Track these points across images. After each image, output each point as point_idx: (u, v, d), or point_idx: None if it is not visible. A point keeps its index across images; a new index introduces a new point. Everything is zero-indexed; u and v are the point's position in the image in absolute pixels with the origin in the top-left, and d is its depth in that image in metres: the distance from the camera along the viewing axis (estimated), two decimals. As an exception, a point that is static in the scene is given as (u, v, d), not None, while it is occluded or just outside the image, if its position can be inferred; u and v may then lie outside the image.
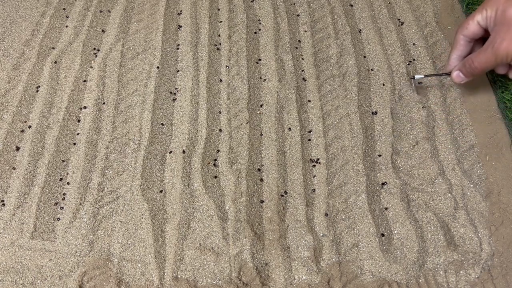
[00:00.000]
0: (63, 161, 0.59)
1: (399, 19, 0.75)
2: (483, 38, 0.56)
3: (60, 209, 0.55)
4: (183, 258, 0.52)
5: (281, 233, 0.54)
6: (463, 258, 0.52)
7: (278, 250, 0.52)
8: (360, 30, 0.73)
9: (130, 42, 0.72)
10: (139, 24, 0.74)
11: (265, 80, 0.68)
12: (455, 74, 0.58)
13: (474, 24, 0.53)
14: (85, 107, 0.64)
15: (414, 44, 0.71)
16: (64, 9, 0.76)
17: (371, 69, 0.69)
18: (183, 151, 0.60)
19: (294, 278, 0.51)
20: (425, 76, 0.63)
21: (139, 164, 0.59)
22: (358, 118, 0.63)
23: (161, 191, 0.57)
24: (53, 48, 0.71)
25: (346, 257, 0.52)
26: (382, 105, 0.64)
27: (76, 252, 0.52)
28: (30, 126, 0.62)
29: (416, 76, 0.62)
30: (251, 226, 0.54)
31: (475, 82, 0.66)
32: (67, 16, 0.75)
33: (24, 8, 0.76)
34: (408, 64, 0.65)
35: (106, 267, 0.51)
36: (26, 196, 0.56)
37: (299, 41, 0.72)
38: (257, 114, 0.64)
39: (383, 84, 0.67)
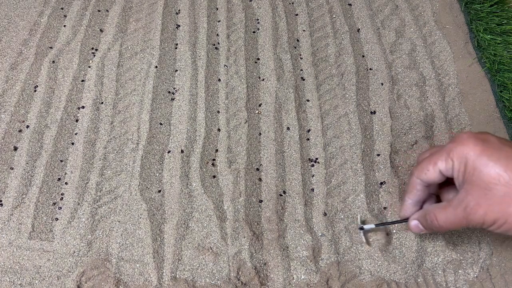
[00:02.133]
0: (61, 161, 0.59)
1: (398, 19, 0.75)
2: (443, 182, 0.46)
3: (58, 209, 0.55)
4: (181, 258, 0.52)
5: (280, 233, 0.54)
6: (461, 258, 0.52)
7: (277, 249, 0.52)
8: (359, 29, 0.73)
9: (128, 42, 0.72)
10: (137, 23, 0.74)
11: (263, 79, 0.68)
12: (413, 224, 0.47)
13: (436, 171, 0.43)
14: (83, 107, 0.64)
15: (412, 43, 0.71)
16: (62, 8, 0.76)
17: (370, 69, 0.69)
18: (182, 151, 0.60)
19: (293, 277, 0.51)
20: (376, 225, 0.52)
21: (138, 164, 0.59)
22: (357, 118, 0.63)
23: (159, 191, 0.57)
24: (51, 47, 0.71)
25: (344, 257, 0.52)
26: (381, 104, 0.64)
27: (74, 252, 0.52)
28: (28, 126, 0.62)
29: (365, 227, 0.52)
30: (249, 225, 0.54)
31: (474, 82, 0.66)
32: (65, 16, 0.75)
33: (22, 8, 0.76)
34: (357, 215, 0.55)
35: (104, 267, 0.51)
36: (24, 196, 0.56)
37: (298, 40, 0.72)
38: (255, 113, 0.64)
39: (382, 84, 0.67)
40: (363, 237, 0.53)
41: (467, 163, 0.40)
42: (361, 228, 0.53)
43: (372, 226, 0.52)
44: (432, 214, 0.44)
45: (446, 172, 0.43)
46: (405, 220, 0.49)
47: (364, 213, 0.55)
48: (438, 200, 0.48)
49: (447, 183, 0.45)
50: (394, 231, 0.54)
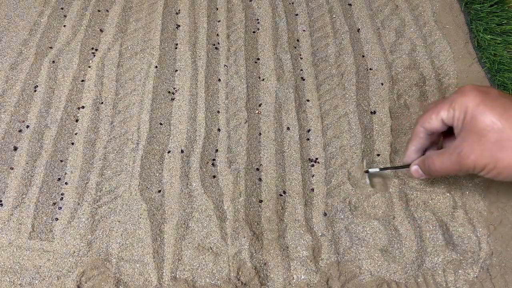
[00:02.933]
0: (61, 161, 0.59)
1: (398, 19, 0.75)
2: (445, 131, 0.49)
3: (58, 209, 0.55)
4: (181, 258, 0.52)
5: (280, 233, 0.54)
6: (461, 258, 0.52)
7: (277, 249, 0.52)
8: (359, 29, 0.73)
9: (128, 42, 0.72)
10: (137, 23, 0.74)
11: (263, 79, 0.68)
12: (413, 169, 0.51)
13: (438, 120, 0.46)
14: (83, 107, 0.64)
15: (412, 43, 0.71)
16: (62, 8, 0.76)
17: (370, 68, 0.69)
18: (182, 151, 0.60)
19: (293, 277, 0.51)
20: (381, 169, 0.56)
21: (138, 164, 0.59)
22: (357, 118, 0.63)
23: (159, 191, 0.57)
24: (51, 47, 0.71)
25: (344, 257, 0.52)
26: (381, 104, 0.64)
27: (74, 252, 0.52)
28: (28, 126, 0.62)
29: (371, 170, 0.56)
30: (249, 225, 0.54)
31: (474, 82, 0.66)
32: (65, 16, 0.75)
33: (22, 8, 0.76)
34: (363, 159, 0.58)
35: (104, 267, 0.51)
36: (24, 196, 0.56)
37: (298, 40, 0.72)
38: (255, 113, 0.64)
39: (382, 84, 0.67)
40: (367, 179, 0.56)
41: (466, 112, 0.43)
42: (367, 171, 0.56)
43: (377, 170, 0.56)
44: (430, 159, 0.47)
45: (448, 121, 0.45)
46: (408, 166, 0.52)
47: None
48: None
49: (450, 134, 0.47)
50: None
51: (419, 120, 0.48)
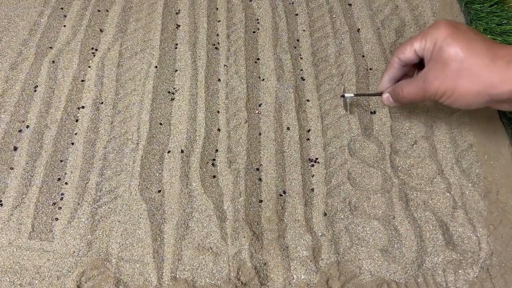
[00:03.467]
0: (61, 161, 0.59)
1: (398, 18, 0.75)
2: (418, 64, 0.53)
3: (58, 209, 0.55)
4: (181, 258, 0.52)
5: (280, 233, 0.54)
6: (461, 258, 0.52)
7: (277, 249, 0.52)
8: (359, 29, 0.73)
9: (128, 42, 0.72)
10: (137, 23, 0.74)
11: (263, 79, 0.68)
12: (385, 96, 0.55)
13: (412, 51, 0.50)
14: (83, 107, 0.64)
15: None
16: (62, 8, 0.76)
17: (370, 68, 0.69)
18: (182, 151, 0.60)
19: (293, 277, 0.51)
20: (355, 95, 0.61)
21: (137, 164, 0.59)
22: (357, 118, 0.63)
23: (159, 191, 0.57)
24: (51, 47, 0.71)
25: (344, 257, 0.52)
26: (381, 104, 0.64)
27: (74, 252, 0.52)
28: (28, 126, 0.62)
29: (346, 95, 0.61)
30: (249, 225, 0.54)
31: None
32: (65, 16, 0.75)
33: (22, 8, 0.76)
34: (343, 86, 0.64)
35: (104, 267, 0.51)
36: (24, 196, 0.56)
37: (298, 40, 0.72)
38: (255, 113, 0.64)
39: (382, 84, 0.67)
40: (342, 103, 0.63)
41: (436, 43, 0.46)
42: (342, 96, 0.62)
43: (352, 95, 0.61)
44: (399, 86, 0.52)
45: (420, 52, 0.49)
46: (380, 94, 0.56)
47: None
48: None
49: (422, 67, 0.50)
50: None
51: (395, 52, 0.53)
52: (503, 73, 0.42)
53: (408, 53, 0.50)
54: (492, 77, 0.43)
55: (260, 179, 0.58)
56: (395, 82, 0.54)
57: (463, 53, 0.44)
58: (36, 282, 0.50)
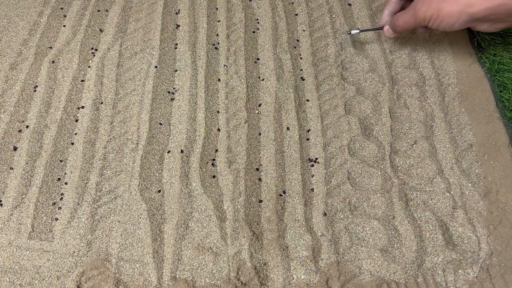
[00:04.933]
0: (61, 161, 0.59)
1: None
2: None
3: (58, 209, 0.55)
4: (181, 258, 0.52)
5: (280, 233, 0.54)
6: (461, 257, 0.52)
7: (277, 249, 0.52)
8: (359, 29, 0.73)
9: (128, 42, 0.72)
10: (137, 23, 0.74)
11: (263, 79, 0.68)
12: (385, 28, 0.63)
13: None
14: (83, 107, 0.64)
15: (412, 43, 0.71)
16: (61, 8, 0.76)
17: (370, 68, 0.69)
18: (181, 151, 0.60)
19: (293, 277, 0.51)
20: (361, 31, 0.68)
21: (137, 164, 0.58)
22: (357, 118, 0.63)
23: (159, 191, 0.57)
24: (50, 47, 0.71)
25: (344, 257, 0.52)
26: (381, 104, 0.64)
27: (74, 252, 0.52)
28: (27, 126, 0.62)
29: (352, 31, 0.67)
30: (249, 225, 0.54)
31: (474, 82, 0.66)
32: (65, 16, 0.75)
33: (22, 8, 0.76)
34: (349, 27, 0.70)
35: (104, 267, 0.51)
36: (23, 196, 0.56)
37: (298, 40, 0.72)
38: (255, 113, 0.64)
39: (383, 84, 0.67)
40: (350, 41, 0.69)
41: None
42: (349, 33, 0.68)
43: (357, 31, 0.67)
44: (395, 17, 0.61)
45: None
46: (382, 27, 0.65)
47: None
48: None
49: None
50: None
51: None
52: None
53: None
54: None
55: (260, 179, 0.58)
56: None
57: None
58: (36, 282, 0.50)
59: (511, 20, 0.54)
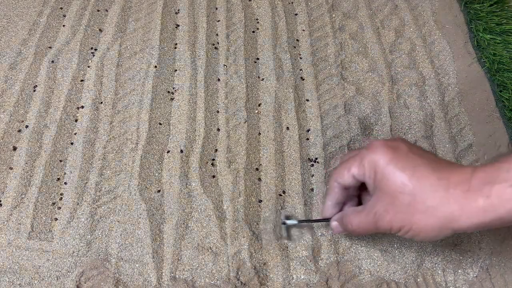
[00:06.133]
0: (61, 161, 0.59)
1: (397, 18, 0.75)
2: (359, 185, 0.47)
3: (58, 209, 0.55)
4: (181, 258, 0.52)
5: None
6: (461, 257, 0.52)
7: (276, 249, 0.52)
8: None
9: (128, 41, 0.72)
10: (136, 23, 0.74)
11: (263, 79, 0.68)
12: (334, 224, 0.48)
13: (350, 176, 0.44)
14: (82, 107, 0.64)
15: (412, 43, 0.71)
16: (61, 8, 0.76)
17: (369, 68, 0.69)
18: (181, 151, 0.60)
19: (293, 277, 0.51)
20: (299, 221, 0.53)
21: (137, 163, 0.58)
22: (357, 118, 0.63)
23: (159, 191, 0.57)
24: (50, 47, 0.70)
25: (344, 257, 0.52)
26: (381, 104, 0.64)
27: (73, 252, 0.52)
28: (27, 126, 0.62)
29: (288, 222, 0.53)
30: (249, 225, 0.54)
31: (473, 82, 0.66)
32: (64, 16, 0.75)
33: (21, 7, 0.75)
34: (281, 208, 0.55)
35: (104, 267, 0.51)
36: (23, 196, 0.56)
37: (297, 40, 0.72)
38: (255, 113, 0.64)
39: (383, 84, 0.66)
40: (284, 232, 0.53)
41: (376, 171, 0.41)
42: (284, 223, 0.53)
43: (295, 222, 0.53)
44: (347, 218, 0.46)
45: (359, 177, 0.44)
46: (328, 219, 0.50)
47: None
48: (360, 201, 0.49)
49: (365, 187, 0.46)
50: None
51: (333, 174, 0.47)
52: (463, 205, 0.37)
53: (347, 178, 0.45)
54: (452, 210, 0.38)
55: (259, 179, 0.58)
56: (340, 205, 0.49)
57: (412, 184, 0.39)
58: (36, 282, 0.50)
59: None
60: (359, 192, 0.48)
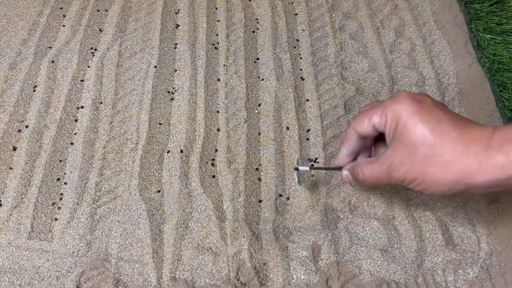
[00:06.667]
0: (61, 161, 0.59)
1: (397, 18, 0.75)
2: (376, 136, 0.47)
3: (58, 209, 0.55)
4: (181, 258, 0.52)
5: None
6: (461, 257, 0.52)
7: (276, 249, 0.52)
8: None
9: (128, 41, 0.72)
10: (136, 23, 0.74)
11: (263, 79, 0.68)
12: (344, 174, 0.48)
13: (370, 125, 0.43)
14: (82, 107, 0.64)
15: (412, 43, 0.71)
16: (61, 8, 0.76)
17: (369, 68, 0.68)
18: (181, 151, 0.60)
19: (293, 278, 0.51)
20: (311, 168, 0.53)
21: (137, 164, 0.58)
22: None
23: (159, 191, 0.57)
24: (50, 47, 0.70)
25: (344, 257, 0.52)
26: (380, 104, 0.64)
27: (73, 252, 0.52)
28: (27, 126, 0.62)
29: (300, 168, 0.53)
30: (249, 225, 0.54)
31: (474, 82, 0.66)
32: (64, 15, 0.75)
33: (21, 7, 0.75)
34: (297, 158, 0.56)
35: (104, 267, 0.51)
36: (23, 196, 0.56)
37: (297, 40, 0.72)
38: (255, 113, 0.64)
39: (383, 84, 0.66)
40: (296, 177, 0.55)
41: (398, 121, 0.41)
42: (296, 169, 0.54)
43: (307, 168, 0.53)
44: (359, 167, 0.45)
45: (379, 127, 0.43)
46: (339, 168, 0.49)
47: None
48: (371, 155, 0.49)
49: (382, 138, 0.45)
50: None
51: (351, 123, 0.46)
52: (481, 161, 0.37)
53: (366, 127, 0.44)
54: (469, 165, 0.37)
55: (259, 179, 0.58)
56: (354, 155, 0.48)
57: (433, 137, 0.39)
58: (35, 282, 0.50)
59: None
60: (373, 145, 0.48)
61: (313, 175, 0.58)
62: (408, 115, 0.40)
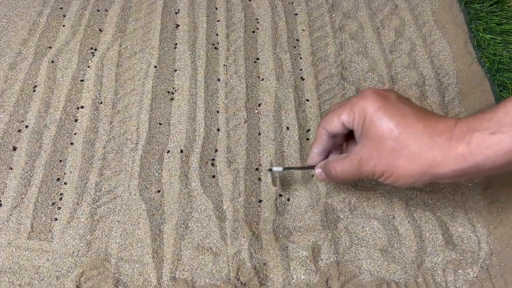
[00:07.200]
0: (61, 161, 0.59)
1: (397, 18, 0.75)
2: (347, 134, 0.48)
3: (58, 209, 0.55)
4: (181, 258, 0.52)
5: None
6: (461, 257, 0.52)
7: (276, 249, 0.52)
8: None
9: (128, 41, 0.71)
10: (136, 23, 0.74)
11: (263, 79, 0.68)
12: (317, 171, 0.50)
13: (339, 123, 0.45)
14: (82, 107, 0.64)
15: (412, 43, 0.71)
16: (61, 8, 0.76)
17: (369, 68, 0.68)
18: (181, 151, 0.60)
19: (293, 277, 0.51)
20: (284, 169, 0.55)
21: (137, 164, 0.58)
22: (356, 117, 0.63)
23: (158, 191, 0.57)
24: (50, 47, 0.70)
25: (344, 257, 0.52)
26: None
27: (73, 252, 0.52)
28: (27, 126, 0.62)
29: (274, 169, 0.55)
30: (249, 225, 0.54)
31: (474, 82, 0.66)
32: (64, 15, 0.75)
33: (21, 7, 0.75)
34: (271, 161, 0.58)
35: (104, 267, 0.51)
36: (23, 196, 0.56)
37: (297, 40, 0.72)
38: (255, 113, 0.64)
39: (383, 84, 0.66)
40: (270, 177, 0.57)
41: (365, 117, 0.42)
42: (270, 170, 0.56)
43: (280, 169, 0.54)
44: (331, 164, 0.46)
45: (348, 124, 0.44)
46: (312, 167, 0.50)
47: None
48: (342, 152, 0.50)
49: (353, 136, 0.46)
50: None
51: (321, 122, 0.47)
52: (445, 151, 0.38)
53: (336, 125, 0.45)
54: (434, 156, 0.39)
55: (259, 179, 0.58)
56: (325, 154, 0.50)
57: (398, 130, 0.40)
58: (35, 282, 0.50)
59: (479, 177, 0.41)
60: (343, 143, 0.49)
61: (313, 175, 0.58)
62: (374, 111, 0.41)
